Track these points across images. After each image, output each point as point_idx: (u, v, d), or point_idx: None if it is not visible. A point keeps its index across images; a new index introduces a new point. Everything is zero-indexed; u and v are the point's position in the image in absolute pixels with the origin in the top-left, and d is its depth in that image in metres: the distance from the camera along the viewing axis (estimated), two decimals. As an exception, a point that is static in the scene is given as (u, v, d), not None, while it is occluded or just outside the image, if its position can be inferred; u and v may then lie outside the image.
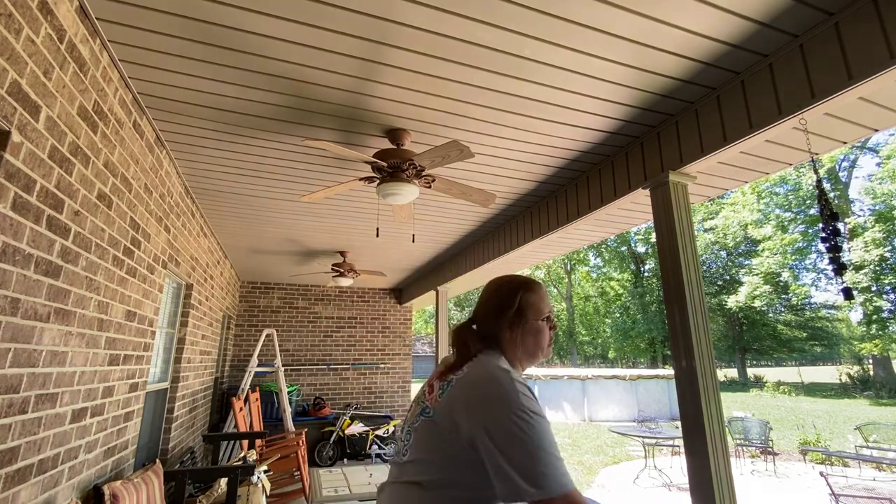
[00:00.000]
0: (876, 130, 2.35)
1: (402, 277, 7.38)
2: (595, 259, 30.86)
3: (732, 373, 28.71)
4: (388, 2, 1.63)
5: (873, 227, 17.12)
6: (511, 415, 0.89)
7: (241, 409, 4.74)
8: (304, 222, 4.37)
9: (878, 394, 17.42)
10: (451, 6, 1.65)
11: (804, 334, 23.85)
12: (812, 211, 20.28)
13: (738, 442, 6.99)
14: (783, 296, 21.84)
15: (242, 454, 4.19)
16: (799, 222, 20.74)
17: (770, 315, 23.39)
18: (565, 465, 0.89)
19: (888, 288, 17.30)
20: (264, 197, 3.65)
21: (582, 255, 29.63)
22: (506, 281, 1.20)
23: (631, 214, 3.80)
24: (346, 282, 5.78)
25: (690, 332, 2.14)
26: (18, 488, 1.52)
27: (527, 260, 5.89)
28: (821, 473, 4.37)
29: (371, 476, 5.84)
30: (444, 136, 2.63)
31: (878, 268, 16.80)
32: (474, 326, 1.16)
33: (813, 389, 20.82)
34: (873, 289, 17.10)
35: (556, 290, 31.55)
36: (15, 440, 1.49)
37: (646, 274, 28.47)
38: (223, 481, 3.17)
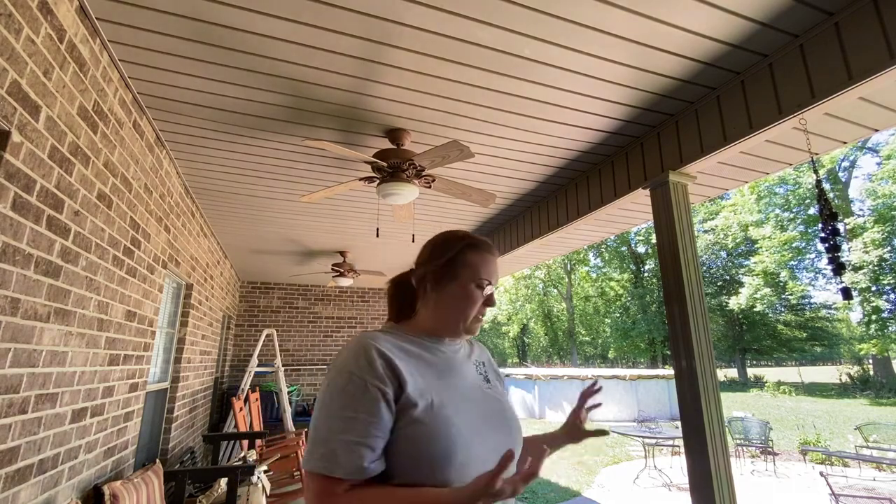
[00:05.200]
0: (876, 130, 2.36)
1: (402, 277, 7.37)
2: (595, 259, 30.82)
3: (732, 373, 28.67)
4: (388, 2, 1.63)
5: (873, 227, 17.10)
6: (326, 377, 0.80)
7: (241, 409, 4.74)
8: (304, 222, 4.37)
9: (877, 394, 17.38)
10: (451, 6, 1.65)
11: (804, 334, 23.82)
12: (811, 210, 20.26)
13: (738, 442, 6.98)
14: (783, 296, 21.81)
15: (242, 454, 4.19)
16: (798, 222, 20.72)
17: (770, 315, 23.34)
18: (347, 436, 0.71)
19: (888, 288, 17.27)
20: (264, 197, 3.65)
21: (582, 255, 29.59)
22: (452, 233, 0.97)
23: (631, 214, 3.81)
24: (346, 282, 5.78)
25: (690, 332, 2.14)
26: (18, 488, 1.52)
27: (527, 260, 5.88)
28: (821, 473, 4.36)
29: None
30: (444, 136, 2.63)
31: (877, 268, 16.76)
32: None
33: (813, 389, 20.79)
34: (873, 289, 17.07)
35: (556, 291, 31.53)
36: (15, 440, 1.49)
37: (646, 274, 28.43)
38: (223, 481, 3.17)
